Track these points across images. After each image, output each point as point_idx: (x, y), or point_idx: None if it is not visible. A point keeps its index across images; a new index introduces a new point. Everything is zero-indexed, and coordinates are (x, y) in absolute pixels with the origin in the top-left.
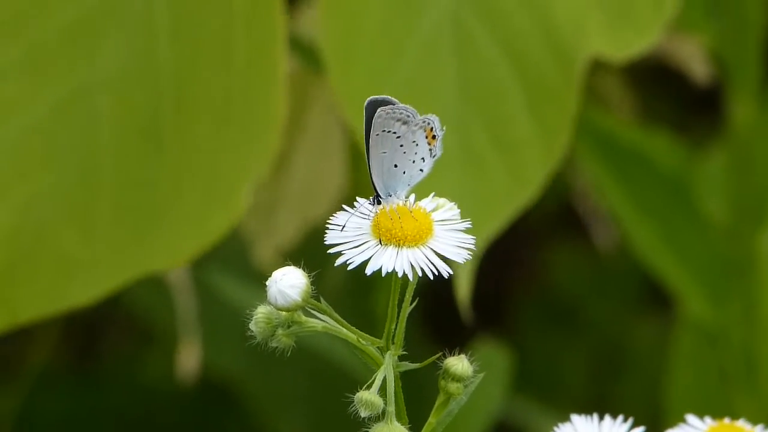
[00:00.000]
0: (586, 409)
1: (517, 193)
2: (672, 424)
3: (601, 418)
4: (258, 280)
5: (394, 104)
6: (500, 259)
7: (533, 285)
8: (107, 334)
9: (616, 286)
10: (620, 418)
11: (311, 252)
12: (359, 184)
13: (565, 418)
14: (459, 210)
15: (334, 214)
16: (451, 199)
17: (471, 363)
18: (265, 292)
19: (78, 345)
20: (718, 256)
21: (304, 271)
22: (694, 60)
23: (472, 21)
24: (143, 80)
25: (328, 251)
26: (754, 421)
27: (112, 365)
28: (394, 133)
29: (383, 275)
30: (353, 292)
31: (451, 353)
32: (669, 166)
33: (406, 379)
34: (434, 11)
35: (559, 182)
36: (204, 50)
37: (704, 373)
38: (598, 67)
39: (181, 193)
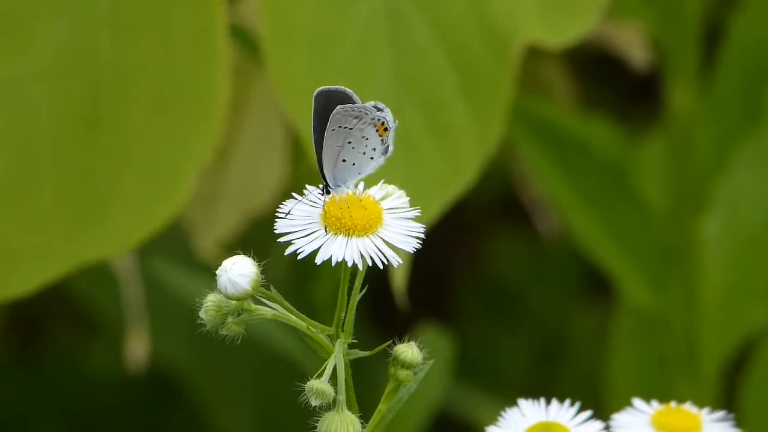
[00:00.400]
0: (527, 396)
1: (452, 180)
2: (612, 410)
3: (546, 403)
4: (201, 270)
5: (347, 94)
6: (442, 246)
7: (475, 273)
8: (51, 324)
9: (557, 274)
10: (567, 402)
11: (253, 243)
12: (300, 176)
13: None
14: (408, 198)
15: (282, 203)
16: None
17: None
18: (210, 282)
19: (22, 335)
20: (658, 242)
21: (253, 260)
22: (634, 46)
23: (408, 8)
24: (82, 68)
25: (277, 240)
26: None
27: (56, 355)
28: (348, 128)
29: (333, 264)
30: (293, 281)
31: (396, 341)
32: (608, 153)
33: (354, 367)
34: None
35: (501, 169)
36: (144, 37)
37: (645, 359)
38: (539, 55)
39: (123, 182)
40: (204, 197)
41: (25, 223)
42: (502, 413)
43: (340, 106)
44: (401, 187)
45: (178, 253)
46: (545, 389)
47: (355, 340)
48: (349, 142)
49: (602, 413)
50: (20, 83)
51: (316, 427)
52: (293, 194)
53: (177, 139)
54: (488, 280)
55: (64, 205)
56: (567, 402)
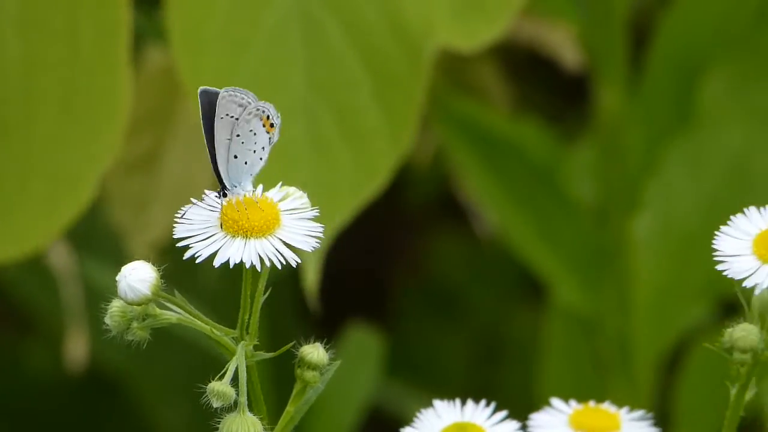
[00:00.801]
0: (465, 396)
1: (364, 184)
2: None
3: (478, 403)
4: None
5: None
6: (381, 246)
7: (414, 273)
8: None
9: (496, 274)
10: (482, 403)
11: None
12: None
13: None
14: (307, 198)
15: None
16: (301, 189)
17: (328, 350)
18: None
19: None
20: (590, 243)
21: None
22: (565, 47)
23: (321, 13)
24: None
25: (176, 245)
26: (631, 406)
27: None
28: (234, 117)
29: (231, 267)
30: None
31: (325, 341)
32: (540, 155)
33: (284, 368)
34: (282, 2)
35: (440, 168)
36: (51, 38)
37: (577, 360)
38: (473, 57)
39: (29, 183)
40: (136, 200)
41: None
42: (418, 414)
43: (225, 89)
44: (312, 191)
45: (117, 254)
46: (485, 389)
47: (257, 342)
48: (238, 135)
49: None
50: None
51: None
52: (191, 199)
53: (81, 142)
54: (427, 280)
55: None
56: (482, 403)
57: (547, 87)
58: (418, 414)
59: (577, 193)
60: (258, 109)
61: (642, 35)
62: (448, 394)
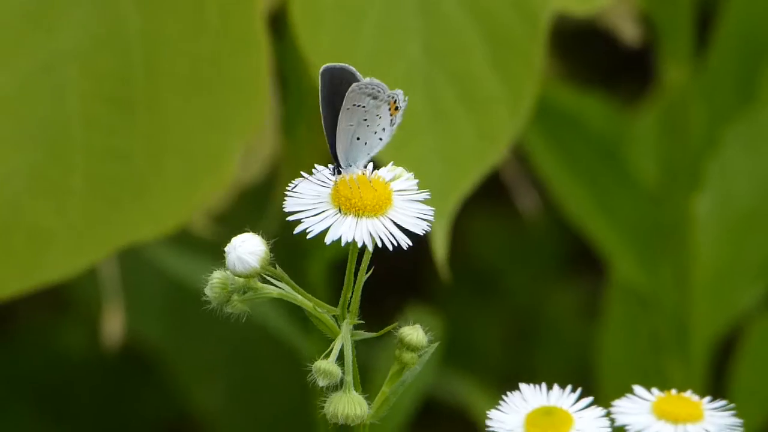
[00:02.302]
0: (504, 378)
1: (486, 151)
2: (604, 388)
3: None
4: (190, 243)
5: (352, 72)
6: None
7: (452, 252)
8: (23, 302)
9: (535, 253)
10: (569, 388)
11: (242, 216)
12: (291, 149)
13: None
14: (418, 179)
15: (292, 181)
16: (423, 158)
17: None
18: (200, 254)
19: None
20: (649, 219)
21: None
22: (625, 20)
23: None
24: (111, 49)
25: (286, 218)
26: (685, 386)
27: (28, 333)
28: (363, 107)
29: (342, 245)
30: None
31: (379, 321)
32: (600, 128)
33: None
34: None
35: None
36: (174, 15)
37: (635, 337)
38: None
39: (161, 161)
40: None
41: (58, 207)
42: (503, 397)
43: (356, 83)
44: (433, 159)
45: None
46: (523, 369)
47: (361, 321)
48: (365, 119)
49: (592, 392)
50: (50, 66)
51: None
52: (302, 173)
53: (219, 117)
54: (463, 260)
55: (98, 187)
56: (569, 388)
57: (595, 60)
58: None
59: (637, 169)
60: (389, 96)
61: (708, 12)
62: (486, 374)
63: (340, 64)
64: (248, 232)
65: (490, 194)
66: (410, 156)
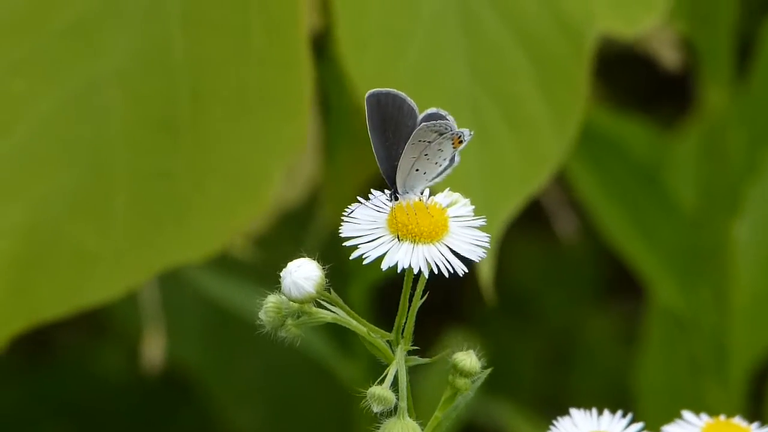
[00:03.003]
0: (540, 401)
1: (532, 174)
2: (642, 411)
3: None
4: (229, 265)
5: (402, 97)
6: None
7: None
8: (62, 325)
9: (568, 279)
10: (619, 413)
11: (282, 239)
12: (332, 172)
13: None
14: (474, 207)
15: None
16: (468, 179)
17: (479, 358)
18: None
19: (33, 336)
20: (689, 243)
21: (318, 263)
22: (666, 46)
23: (478, 1)
24: (156, 71)
25: (342, 243)
26: (724, 410)
27: (67, 356)
28: (428, 141)
29: (399, 271)
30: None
31: (419, 345)
32: (640, 152)
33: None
34: None
35: None
36: (219, 37)
37: (674, 361)
38: None
39: (204, 183)
40: None
41: (101, 229)
42: (554, 424)
43: (426, 123)
44: (480, 182)
45: None
46: (559, 392)
47: (416, 347)
48: (426, 155)
49: (633, 414)
50: (93, 88)
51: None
52: (359, 198)
53: (261, 139)
54: (500, 283)
55: (141, 209)
56: (618, 413)
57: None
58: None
59: (677, 193)
60: (453, 133)
61: (749, 38)
62: (519, 398)
63: (386, 89)
64: (304, 256)
65: (528, 217)
66: (455, 178)
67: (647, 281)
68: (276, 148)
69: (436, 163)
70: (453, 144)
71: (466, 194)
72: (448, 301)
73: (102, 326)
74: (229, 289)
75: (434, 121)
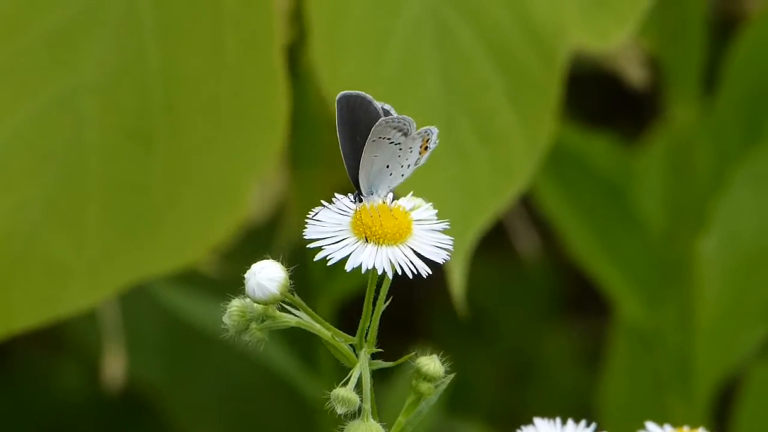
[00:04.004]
0: (498, 419)
1: (503, 186)
2: (606, 427)
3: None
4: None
5: (368, 100)
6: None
7: (444, 293)
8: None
9: (525, 297)
10: (583, 422)
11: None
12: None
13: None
14: (437, 210)
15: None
16: (440, 192)
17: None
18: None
19: None
20: (655, 260)
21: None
22: (632, 63)
23: (452, 16)
24: (130, 82)
25: (307, 245)
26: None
27: (26, 374)
28: (390, 140)
29: (363, 272)
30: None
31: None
32: (605, 168)
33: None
34: (414, 7)
35: None
36: (193, 49)
37: (638, 377)
38: None
39: (179, 195)
40: None
41: (75, 240)
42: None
43: (384, 119)
44: (452, 194)
45: None
46: (516, 410)
47: (380, 350)
48: (400, 149)
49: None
50: (68, 98)
51: None
52: (322, 202)
53: (237, 151)
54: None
55: (115, 220)
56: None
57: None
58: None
59: (643, 209)
60: (426, 132)
61: (716, 55)
62: (477, 417)
63: (356, 91)
64: (267, 258)
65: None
66: (427, 190)
67: (612, 298)
68: (251, 160)
69: (402, 165)
70: (421, 148)
71: (439, 206)
72: (406, 318)
73: (61, 342)
74: (192, 303)
75: (392, 117)
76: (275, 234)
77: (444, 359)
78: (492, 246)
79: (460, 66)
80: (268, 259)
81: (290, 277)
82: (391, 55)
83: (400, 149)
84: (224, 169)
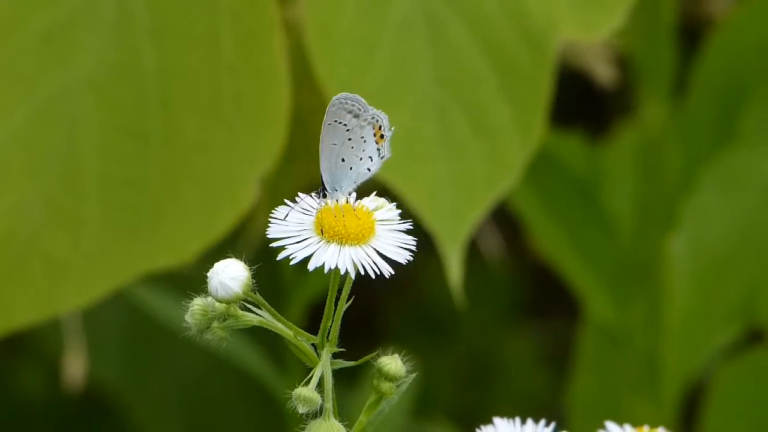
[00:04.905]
0: (459, 420)
1: (497, 179)
2: (573, 427)
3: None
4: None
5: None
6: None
7: (402, 293)
8: None
9: (487, 298)
10: (542, 422)
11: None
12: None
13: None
14: (399, 210)
15: (275, 209)
16: (435, 185)
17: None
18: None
19: None
20: (624, 258)
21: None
22: (600, 61)
23: (444, 10)
24: (126, 80)
25: (269, 245)
26: (656, 427)
27: None
28: (344, 125)
29: (325, 272)
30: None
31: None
32: (577, 169)
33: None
34: (405, 1)
35: None
36: (189, 47)
37: (607, 378)
38: None
39: (178, 191)
40: None
41: (74, 237)
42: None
43: (336, 96)
44: (446, 187)
45: None
46: (478, 412)
47: (341, 349)
48: (350, 140)
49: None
50: (65, 96)
51: None
52: (285, 201)
53: (236, 148)
54: (417, 301)
55: (114, 217)
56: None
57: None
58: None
59: (612, 208)
60: (373, 117)
61: (687, 54)
62: (438, 416)
63: (353, 94)
64: (231, 257)
65: None
66: (423, 183)
67: (580, 297)
68: (252, 156)
69: (361, 158)
70: (376, 137)
71: (434, 199)
72: (369, 319)
73: (21, 343)
74: (156, 300)
75: (344, 96)
76: (246, 231)
77: (407, 360)
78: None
79: (453, 60)
80: (231, 257)
81: (261, 276)
82: (385, 51)
83: (350, 138)
84: (224, 165)
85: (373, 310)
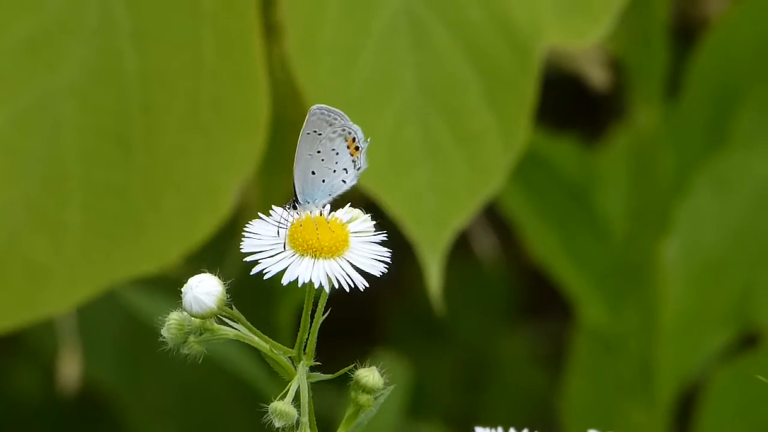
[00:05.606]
0: (455, 422)
1: (479, 185)
2: (571, 430)
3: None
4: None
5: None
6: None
7: (402, 295)
8: None
9: (483, 300)
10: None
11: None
12: (268, 192)
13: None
14: (373, 222)
15: (248, 222)
16: (417, 192)
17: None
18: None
19: None
20: (617, 262)
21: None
22: (593, 64)
23: (427, 15)
24: (108, 85)
25: (243, 259)
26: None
27: None
28: (319, 134)
29: (299, 286)
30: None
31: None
32: (570, 172)
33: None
34: (390, 7)
35: None
36: (170, 52)
37: (601, 382)
38: None
39: (159, 197)
40: None
41: (54, 242)
42: None
43: (317, 106)
44: (428, 194)
45: None
46: (475, 413)
47: (317, 363)
48: (319, 152)
49: None
50: (47, 99)
51: None
52: (259, 214)
53: (217, 154)
54: (414, 303)
55: (95, 222)
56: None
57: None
58: None
59: (606, 212)
60: (344, 129)
61: (680, 58)
62: (434, 417)
63: (329, 107)
64: (205, 272)
65: None
66: (404, 191)
67: (574, 301)
68: (233, 162)
69: (334, 171)
70: (350, 150)
71: (415, 206)
72: (366, 320)
73: (16, 344)
74: (151, 304)
75: (327, 109)
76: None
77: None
78: (452, 248)
79: (437, 66)
80: (206, 272)
81: (247, 285)
82: (367, 57)
83: (319, 150)
84: (205, 170)
85: (369, 311)
